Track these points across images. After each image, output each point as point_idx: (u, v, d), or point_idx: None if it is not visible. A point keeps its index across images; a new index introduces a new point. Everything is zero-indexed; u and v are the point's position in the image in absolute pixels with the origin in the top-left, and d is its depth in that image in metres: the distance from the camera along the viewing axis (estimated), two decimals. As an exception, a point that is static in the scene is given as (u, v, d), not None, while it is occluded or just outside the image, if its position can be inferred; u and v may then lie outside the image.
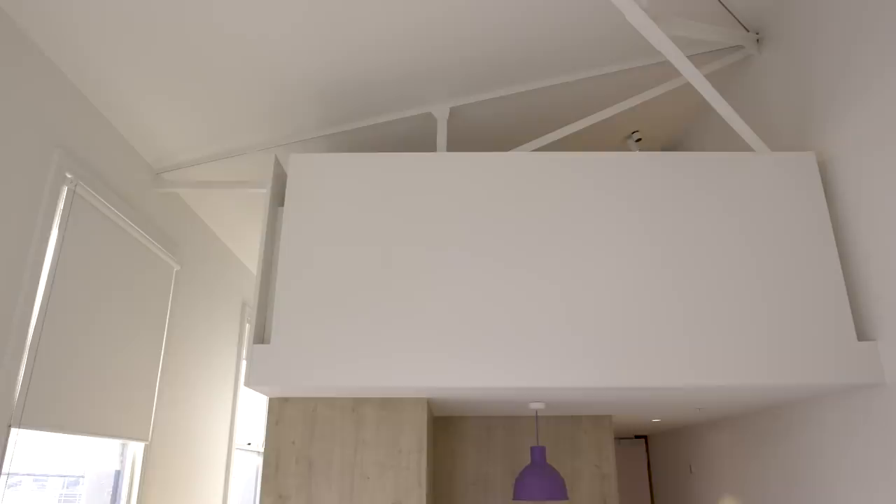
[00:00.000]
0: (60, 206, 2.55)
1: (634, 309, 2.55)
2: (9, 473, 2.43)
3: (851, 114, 2.64)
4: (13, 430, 2.34)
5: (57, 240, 2.53)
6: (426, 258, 2.60)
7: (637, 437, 5.55)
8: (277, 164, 2.81)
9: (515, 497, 2.87)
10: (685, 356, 2.48)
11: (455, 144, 3.79)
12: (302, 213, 2.67)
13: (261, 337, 2.55)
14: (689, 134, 4.11)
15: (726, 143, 3.62)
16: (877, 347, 2.49)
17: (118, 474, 3.26)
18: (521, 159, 2.78)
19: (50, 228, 2.49)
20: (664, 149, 4.25)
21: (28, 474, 2.72)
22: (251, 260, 5.04)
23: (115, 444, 3.23)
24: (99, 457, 3.16)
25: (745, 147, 3.38)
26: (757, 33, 3.25)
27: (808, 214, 2.70)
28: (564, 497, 2.82)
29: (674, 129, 4.04)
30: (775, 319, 2.54)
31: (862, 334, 2.59)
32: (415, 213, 2.67)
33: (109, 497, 3.20)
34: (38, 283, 2.43)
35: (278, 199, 2.81)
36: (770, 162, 2.78)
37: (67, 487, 2.99)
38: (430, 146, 3.74)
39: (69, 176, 2.58)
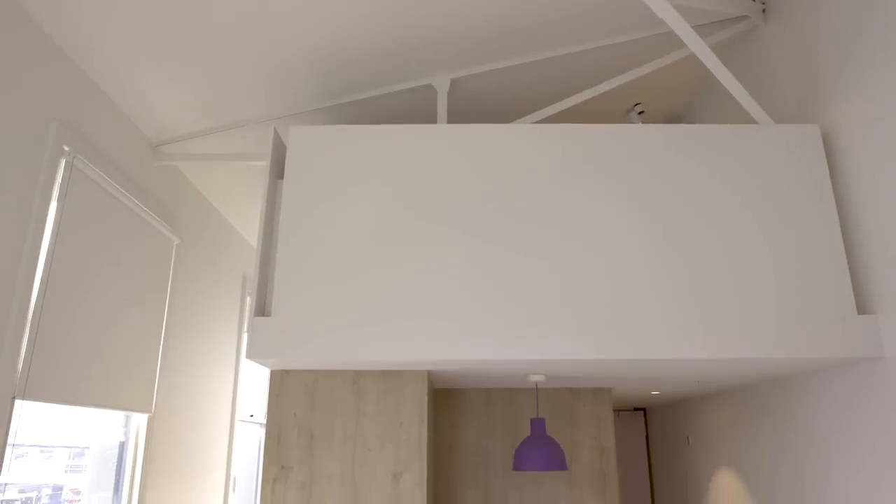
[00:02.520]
0: (59, 179, 2.54)
1: (635, 282, 2.55)
2: (14, 444, 2.46)
3: (857, 87, 2.61)
4: (17, 402, 2.36)
5: (56, 213, 2.53)
6: (427, 231, 2.59)
7: (636, 409, 5.61)
8: (277, 137, 2.79)
9: (515, 468, 2.90)
10: (685, 329, 2.49)
11: (456, 117, 3.76)
12: (301, 186, 2.66)
13: (261, 310, 2.55)
14: (692, 107, 4.07)
15: (730, 117, 3.58)
16: (876, 321, 2.49)
17: (122, 446, 3.30)
18: (522, 132, 2.75)
19: (48, 201, 2.48)
20: (667, 121, 4.21)
21: (34, 445, 2.75)
22: (251, 234, 5.03)
23: (118, 415, 3.27)
24: (103, 428, 3.19)
25: (749, 120, 3.35)
26: (763, 3, 3.20)
27: (810, 187, 2.68)
28: (563, 468, 2.86)
29: (677, 102, 4.00)
30: (775, 293, 2.54)
31: (862, 308, 2.59)
32: (415, 186, 2.66)
33: (114, 468, 3.24)
34: (38, 255, 2.42)
35: (278, 171, 2.80)
36: (774, 134, 2.75)
37: (73, 458, 3.03)
38: (430, 119, 3.71)
39: (66, 149, 2.56)
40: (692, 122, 4.03)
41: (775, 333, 2.49)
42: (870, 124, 2.54)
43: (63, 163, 2.55)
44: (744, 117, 3.39)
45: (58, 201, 2.53)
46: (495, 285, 2.53)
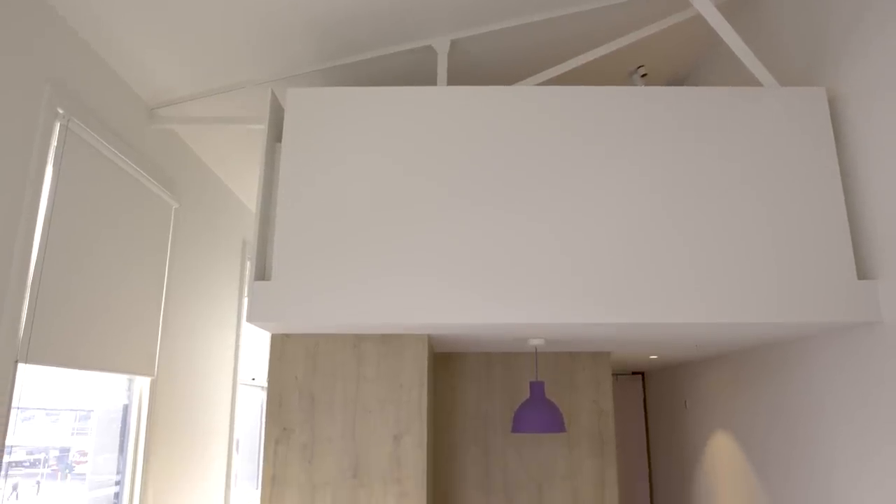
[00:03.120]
0: (54, 142, 2.51)
1: (636, 246, 2.54)
2: (20, 407, 2.49)
3: (866, 50, 2.56)
4: (20, 366, 2.37)
5: (52, 176, 2.50)
6: (427, 194, 2.58)
7: (634, 373, 5.66)
8: (274, 99, 2.75)
9: (514, 430, 2.94)
10: (685, 293, 2.49)
11: (456, 79, 3.70)
12: (300, 149, 2.63)
13: (261, 273, 2.55)
14: (696, 69, 4.00)
15: (734, 79, 3.53)
16: (876, 286, 2.49)
17: (126, 409, 3.34)
18: (523, 94, 2.71)
19: (44, 165, 2.45)
20: (670, 84, 4.15)
21: (40, 408, 2.78)
22: (251, 198, 5.00)
23: (121, 379, 3.29)
24: (107, 392, 3.22)
25: (754, 83, 3.30)
26: (771, -39, 3.12)
27: (814, 151, 2.65)
28: (562, 430, 2.90)
29: (680, 64, 3.93)
30: (776, 257, 2.53)
31: (862, 273, 2.59)
32: (415, 149, 2.63)
33: (118, 430, 3.29)
34: (35, 219, 2.41)
35: (276, 134, 2.76)
36: (779, 97, 2.71)
37: (79, 421, 3.07)
38: (430, 82, 3.65)
39: (61, 111, 2.52)
40: (696, 84, 3.97)
41: (775, 298, 2.49)
42: (877, 88, 2.50)
43: (58, 126, 2.52)
44: (749, 80, 3.33)
45: (53, 165, 2.51)
46: (496, 249, 2.52)
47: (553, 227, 2.55)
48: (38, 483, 2.81)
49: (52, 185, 2.49)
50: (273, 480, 2.66)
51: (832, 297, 2.49)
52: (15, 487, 2.64)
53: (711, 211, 2.58)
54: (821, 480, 2.90)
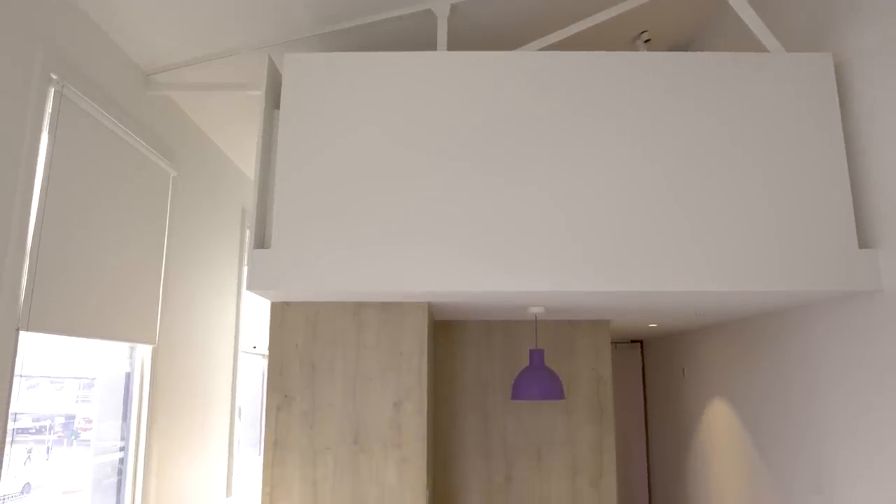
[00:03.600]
0: (49, 109, 2.47)
1: (637, 213, 2.53)
2: (24, 375, 2.50)
3: (875, 16, 2.51)
4: (21, 334, 2.38)
5: (48, 144, 2.48)
6: (427, 161, 2.55)
7: (633, 341, 5.70)
8: (272, 65, 2.70)
9: (514, 397, 2.97)
10: (686, 261, 2.49)
11: (456, 44, 3.64)
12: (299, 116, 2.60)
13: (261, 241, 2.55)
14: (700, 36, 3.93)
15: (739, 46, 3.47)
16: (877, 255, 2.49)
17: (128, 376, 3.36)
18: (524, 59, 2.67)
19: (40, 132, 2.43)
20: (673, 50, 4.08)
21: (44, 376, 2.80)
22: (250, 166, 4.97)
23: (123, 347, 3.31)
24: (109, 360, 3.24)
25: (759, 49, 3.24)
26: (780, -78, 3.04)
27: (819, 118, 2.62)
28: (561, 397, 2.92)
29: (684, 30, 3.87)
30: (778, 225, 2.52)
31: (863, 242, 2.58)
32: (415, 115, 2.60)
33: (122, 398, 3.32)
34: (32, 187, 2.39)
35: (274, 101, 2.73)
36: (784, 63, 2.67)
37: (83, 389, 3.10)
38: (430, 47, 3.59)
39: (54, 77, 2.48)
40: (700, 51, 3.91)
41: (776, 266, 2.49)
42: (884, 55, 2.46)
43: (52, 92, 2.48)
44: (754, 47, 3.28)
45: (49, 132, 2.48)
46: (496, 217, 2.51)
47: (554, 194, 2.54)
48: (48, 449, 2.85)
49: (47, 153, 2.47)
50: (275, 446, 2.70)
51: (833, 266, 2.49)
52: (29, 451, 2.68)
53: (713, 178, 2.56)
54: (812, 447, 2.93)
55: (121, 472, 3.27)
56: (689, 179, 2.56)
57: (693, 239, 2.50)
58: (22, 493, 2.60)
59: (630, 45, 3.92)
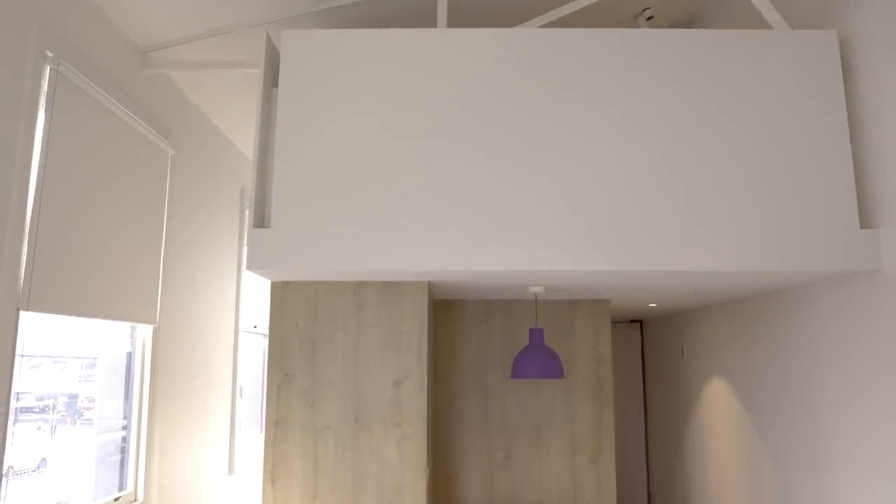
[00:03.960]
0: (45, 87, 2.45)
1: (637, 192, 2.51)
2: (26, 355, 2.51)
3: (880, -14, 2.47)
4: (22, 313, 2.38)
5: (44, 122, 2.46)
6: (426, 140, 2.53)
7: (633, 321, 5.71)
8: (269, 42, 2.67)
9: (514, 376, 2.98)
10: (686, 241, 2.48)
11: (456, 20, 3.59)
12: (297, 94, 2.58)
13: (260, 221, 2.54)
14: (703, 13, 3.89)
15: (742, 24, 3.43)
16: (878, 235, 2.48)
17: (130, 356, 3.37)
18: (525, 36, 2.63)
19: (36, 110, 2.41)
20: (676, 27, 4.04)
21: (47, 356, 2.81)
22: (249, 146, 4.94)
23: (124, 327, 3.32)
24: (111, 340, 3.25)
25: (763, 26, 3.20)
26: None
27: (822, 96, 2.59)
28: (560, 376, 2.94)
29: (687, 7, 3.82)
30: (779, 205, 2.51)
31: (865, 222, 2.57)
32: (414, 94, 2.57)
33: (123, 377, 3.33)
34: (29, 166, 2.38)
35: (272, 79, 2.70)
36: (788, 40, 2.64)
37: (85, 369, 3.11)
38: (430, 24, 3.55)
39: (50, 55, 2.45)
40: (703, 28, 3.86)
41: (777, 246, 2.48)
42: (891, 32, 2.43)
43: (47, 69, 2.46)
44: (757, 24, 3.24)
45: (45, 110, 2.46)
46: (496, 196, 2.50)
47: (554, 174, 2.52)
48: (53, 428, 2.87)
49: (44, 131, 2.45)
50: (276, 424, 2.72)
51: (834, 246, 2.48)
52: (39, 429, 2.71)
53: (714, 157, 2.54)
54: (809, 425, 2.96)
55: (123, 451, 3.30)
56: (691, 158, 2.54)
57: (694, 218, 2.50)
58: (38, 468, 2.63)
59: (632, 23, 3.87)
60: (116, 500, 3.11)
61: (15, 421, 2.55)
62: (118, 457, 3.27)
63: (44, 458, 2.74)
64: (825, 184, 2.53)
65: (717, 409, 4.10)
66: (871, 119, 2.55)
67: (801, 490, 3.08)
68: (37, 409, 2.79)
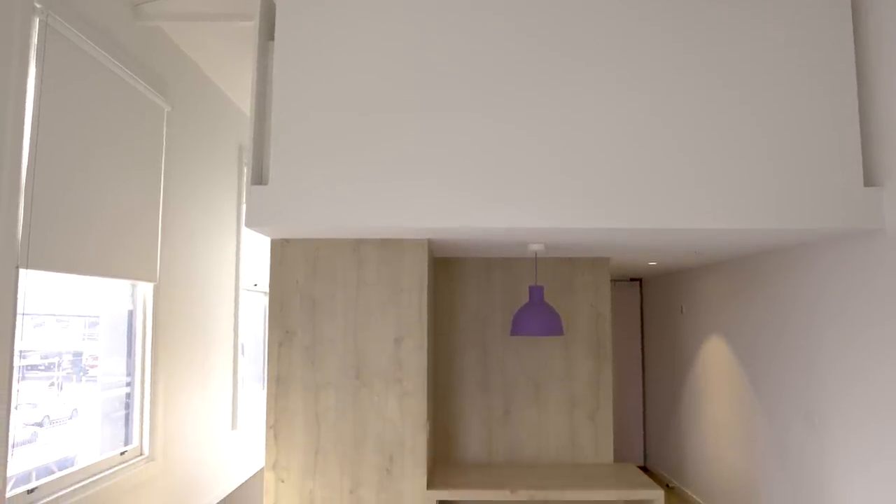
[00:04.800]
0: (34, 40, 2.39)
1: (637, 149, 2.48)
2: (28, 314, 2.52)
3: (895, -66, 2.39)
4: (21, 271, 2.38)
5: (36, 77, 2.41)
6: (426, 95, 2.49)
7: (632, 279, 5.73)
8: (264, -7, 2.60)
9: (513, 333, 3.00)
10: (687, 198, 2.46)
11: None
12: (294, 48, 2.52)
13: (258, 177, 2.51)
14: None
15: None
16: (881, 193, 2.46)
17: (131, 314, 3.39)
18: (528, -12, 2.56)
19: (27, 64, 2.35)
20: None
21: (49, 314, 2.83)
22: (247, 102, 4.87)
23: (124, 285, 3.32)
24: (112, 298, 3.26)
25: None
26: None
27: (830, 48, 2.53)
28: (560, 333, 2.95)
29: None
30: (782, 161, 2.48)
31: (869, 180, 2.55)
32: (413, 48, 2.52)
33: (126, 336, 3.35)
34: (23, 122, 2.34)
35: (268, 32, 2.64)
36: (798, -9, 2.56)
37: (88, 327, 3.13)
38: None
39: (38, 6, 2.39)
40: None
41: (778, 204, 2.46)
42: (903, -21, 2.36)
43: (37, 21, 2.39)
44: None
45: (36, 64, 2.41)
46: (496, 153, 2.47)
47: (555, 131, 2.48)
48: (60, 385, 2.91)
49: (36, 86, 2.40)
50: (278, 381, 2.75)
51: (836, 204, 2.46)
52: (51, 385, 2.75)
53: (716, 113, 2.50)
54: (804, 381, 2.99)
55: (128, 406, 3.35)
56: (692, 115, 2.50)
57: (694, 175, 2.47)
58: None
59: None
60: (122, 454, 3.17)
61: (21, 378, 2.57)
62: (123, 412, 3.32)
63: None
64: (829, 140, 2.49)
65: (715, 367, 4.15)
66: (881, 72, 2.49)
67: (796, 444, 3.13)
68: (42, 367, 2.82)
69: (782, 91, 2.51)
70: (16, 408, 2.36)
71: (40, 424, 2.71)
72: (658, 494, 2.77)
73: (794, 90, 2.51)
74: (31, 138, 2.39)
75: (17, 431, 2.48)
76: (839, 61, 2.52)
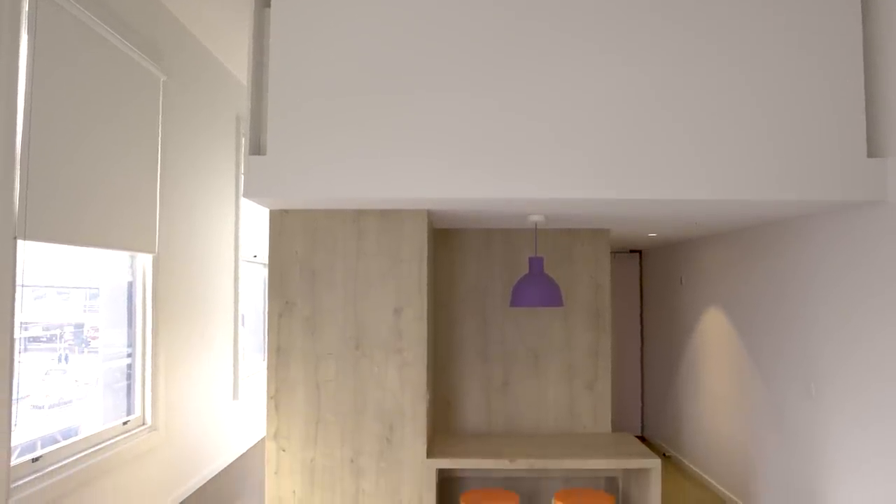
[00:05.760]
0: (25, 7, 2.35)
1: (639, 119, 2.45)
2: (27, 285, 2.51)
3: None
4: (20, 242, 2.37)
5: (28, 46, 2.37)
6: (426, 63, 2.45)
7: (632, 251, 5.73)
8: (260, -42, 2.54)
9: (513, 304, 3.00)
10: (687, 168, 2.44)
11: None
12: (291, 15, 2.47)
13: (256, 147, 2.49)
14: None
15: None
16: (885, 164, 2.44)
17: (131, 285, 3.39)
18: (529, -48, 2.50)
19: (18, 32, 2.31)
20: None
21: (49, 286, 2.83)
22: (244, 71, 4.80)
23: (124, 256, 3.32)
24: (111, 270, 3.26)
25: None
26: None
27: (835, 16, 2.49)
28: (559, 304, 2.96)
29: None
30: (785, 132, 2.46)
31: (872, 150, 2.52)
32: (413, 16, 2.47)
33: (126, 307, 3.36)
34: (16, 91, 2.31)
35: (264, -1, 2.59)
36: (805, -44, 2.50)
37: (89, 299, 3.13)
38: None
39: (30, -29, 2.34)
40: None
41: (780, 175, 2.44)
42: (914, -57, 2.30)
43: (28, -13, 2.34)
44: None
45: (28, 32, 2.37)
46: (496, 123, 2.44)
47: (555, 101, 2.45)
48: (66, 357, 2.93)
49: (28, 56, 2.37)
50: (278, 351, 2.76)
51: (839, 175, 2.44)
52: (60, 357, 2.77)
53: (716, 82, 2.47)
54: (800, 351, 3.00)
55: (130, 377, 3.37)
56: (692, 83, 2.46)
57: (695, 146, 2.45)
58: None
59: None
60: (125, 423, 3.20)
61: (24, 350, 2.58)
62: (125, 383, 3.34)
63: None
64: (832, 109, 2.47)
65: (713, 337, 4.17)
66: (888, 40, 2.45)
67: (793, 414, 3.16)
68: (44, 339, 2.83)
69: (785, 60, 2.47)
70: (17, 379, 2.38)
71: (44, 395, 2.73)
72: (655, 463, 2.80)
73: (796, 59, 2.47)
74: (25, 108, 2.36)
75: (20, 402, 2.49)
76: (844, 30, 2.48)
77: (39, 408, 2.71)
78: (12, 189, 2.29)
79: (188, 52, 3.89)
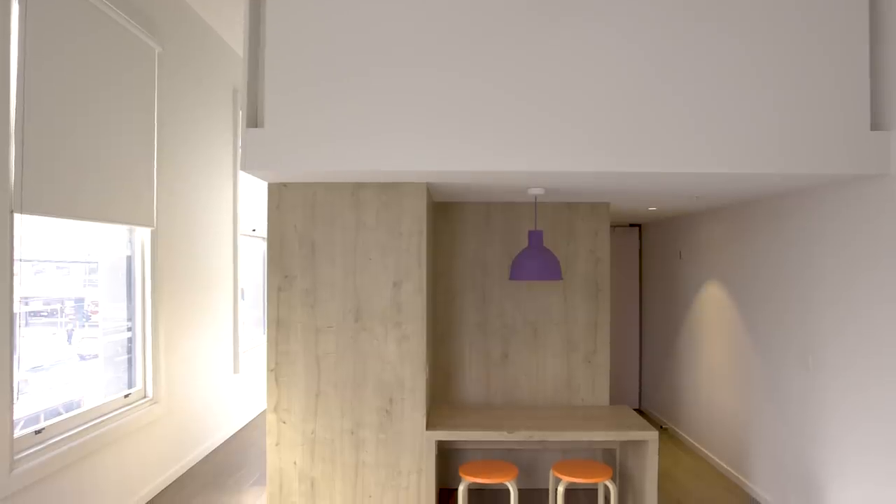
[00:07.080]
0: (17, -26, 2.30)
1: (639, 92, 2.42)
2: (23, 259, 2.51)
3: None
4: (16, 216, 2.35)
5: (19, 17, 2.33)
6: (426, 36, 2.41)
7: (632, 225, 5.72)
8: (255, -75, 2.48)
9: (512, 277, 3.00)
10: (688, 141, 2.42)
11: None
12: (286, -16, 2.42)
13: (253, 120, 2.46)
14: None
15: None
16: (888, 138, 2.41)
17: (130, 259, 3.38)
18: (530, -81, 2.44)
19: (9, 3, 2.27)
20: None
21: (48, 261, 2.82)
22: (240, 43, 4.73)
23: (122, 230, 3.31)
24: (110, 244, 3.25)
25: None
26: None
27: (844, -14, 2.44)
28: (558, 277, 2.96)
29: None
30: (789, 104, 2.43)
31: (875, 124, 2.50)
32: (411, -16, 2.42)
33: (125, 281, 3.36)
34: (8, 62, 2.27)
35: (259, -33, 2.53)
36: (813, -78, 2.45)
37: (89, 274, 3.13)
38: None
39: (20, -63, 2.29)
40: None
41: (783, 147, 2.42)
42: None
43: (19, -45, 2.29)
44: None
45: (19, 2, 2.32)
46: (496, 95, 2.41)
47: (554, 73, 2.42)
48: (69, 331, 2.93)
49: (20, 27, 2.32)
50: (278, 324, 2.76)
51: (842, 149, 2.42)
52: (69, 331, 2.77)
53: (718, 54, 2.43)
54: (798, 325, 3.01)
55: (131, 350, 3.38)
56: (693, 55, 2.43)
57: (697, 118, 2.42)
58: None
59: None
60: (126, 396, 3.22)
61: (25, 325, 2.58)
62: (126, 356, 3.36)
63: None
64: (836, 82, 2.43)
65: (712, 311, 4.18)
66: (894, 10, 2.41)
67: (790, 386, 3.18)
68: (45, 314, 2.83)
69: (788, 32, 2.43)
70: (19, 352, 2.39)
71: (46, 369, 2.74)
72: (652, 435, 2.83)
73: (800, 31, 2.43)
74: (18, 80, 2.32)
75: (22, 375, 2.50)
76: (849, 2, 2.44)
77: (41, 378, 2.72)
78: (7, 162, 2.27)
79: (184, 24, 3.83)
